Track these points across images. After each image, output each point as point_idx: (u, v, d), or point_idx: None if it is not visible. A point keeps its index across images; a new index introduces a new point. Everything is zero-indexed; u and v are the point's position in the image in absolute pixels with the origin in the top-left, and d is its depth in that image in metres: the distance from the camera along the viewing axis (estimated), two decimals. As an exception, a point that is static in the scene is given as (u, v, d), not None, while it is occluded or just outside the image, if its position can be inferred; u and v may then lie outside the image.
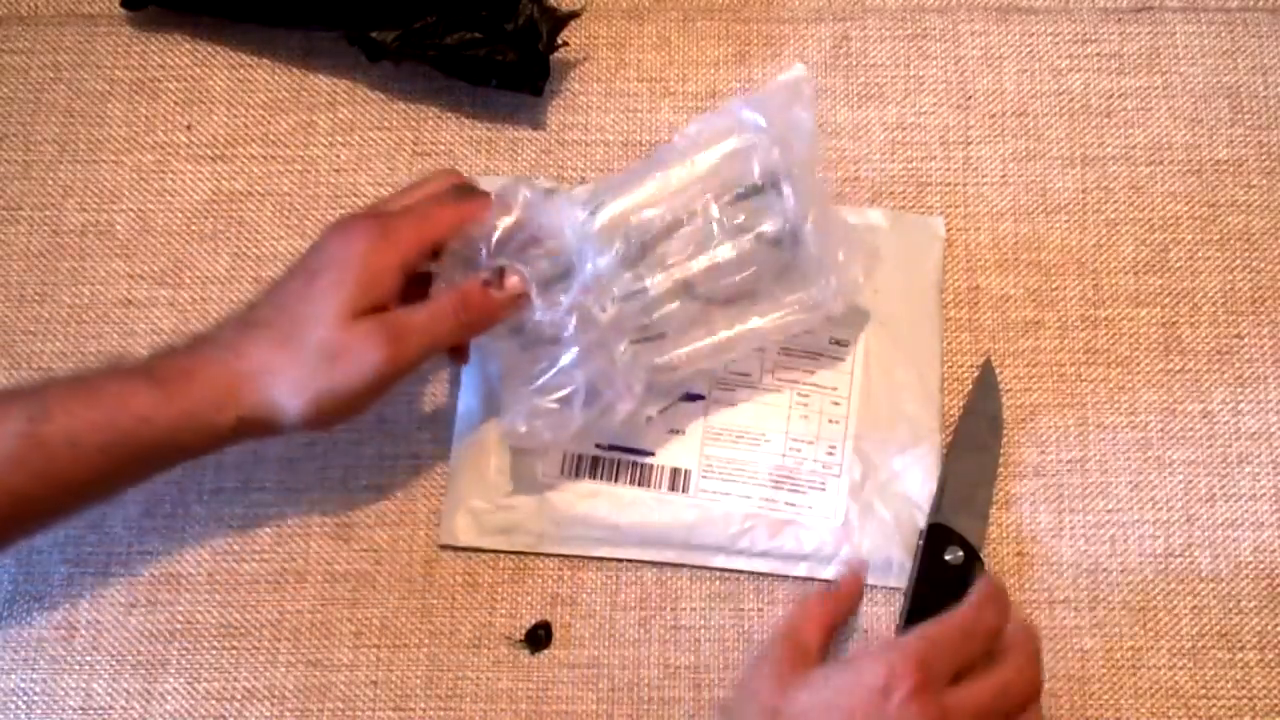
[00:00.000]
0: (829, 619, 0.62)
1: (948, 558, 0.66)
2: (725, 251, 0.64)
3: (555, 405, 0.63)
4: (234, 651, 0.68)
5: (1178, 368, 0.72)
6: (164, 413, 0.58)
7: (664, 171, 0.64)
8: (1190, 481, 0.70)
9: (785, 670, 0.58)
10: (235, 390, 0.59)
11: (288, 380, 0.59)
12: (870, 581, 0.68)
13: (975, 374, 0.71)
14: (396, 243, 0.60)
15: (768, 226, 0.64)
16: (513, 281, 0.62)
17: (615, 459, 0.68)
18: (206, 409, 0.58)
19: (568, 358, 0.62)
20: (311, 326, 0.59)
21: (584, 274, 0.62)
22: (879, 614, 0.68)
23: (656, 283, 0.64)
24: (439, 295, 0.62)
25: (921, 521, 0.68)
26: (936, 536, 0.67)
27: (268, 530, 0.69)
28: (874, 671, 0.54)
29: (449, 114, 0.77)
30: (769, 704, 0.56)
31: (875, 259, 0.67)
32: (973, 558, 0.66)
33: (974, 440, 0.69)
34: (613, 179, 0.66)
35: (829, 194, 0.67)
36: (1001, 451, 0.70)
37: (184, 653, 0.68)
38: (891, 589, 0.68)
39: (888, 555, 0.68)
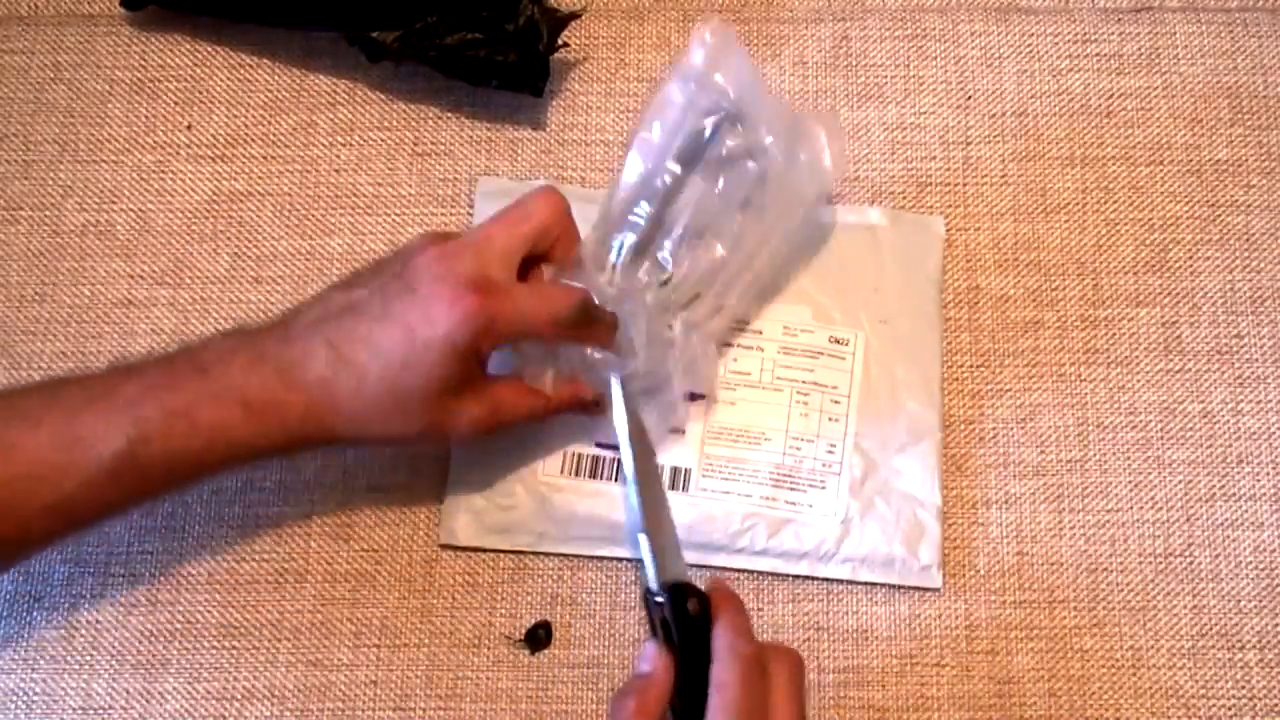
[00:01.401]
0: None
1: (690, 608, 0.58)
2: (708, 191, 0.66)
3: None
4: (234, 651, 0.68)
5: (1178, 368, 0.72)
6: (257, 445, 0.59)
7: (632, 153, 0.66)
8: (1190, 481, 0.70)
9: None
10: (326, 427, 0.59)
11: (381, 431, 0.60)
12: (871, 580, 0.68)
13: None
14: (503, 329, 0.60)
15: (731, 141, 0.66)
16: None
17: (615, 458, 0.68)
18: (297, 439, 0.59)
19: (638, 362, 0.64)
20: (411, 399, 0.59)
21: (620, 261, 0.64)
22: (879, 614, 0.68)
23: (671, 252, 0.65)
24: (541, 392, 0.64)
25: (924, 519, 0.68)
26: (679, 595, 0.58)
27: (268, 530, 0.69)
28: None
29: (449, 114, 0.77)
30: None
31: (841, 139, 0.69)
32: (701, 596, 0.59)
33: (641, 477, 0.63)
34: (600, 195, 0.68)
35: (788, 105, 0.68)
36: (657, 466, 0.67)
37: (184, 653, 0.68)
38: (893, 587, 0.68)
39: (889, 553, 0.68)
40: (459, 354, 0.58)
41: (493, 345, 0.61)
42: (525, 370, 0.65)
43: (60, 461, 0.56)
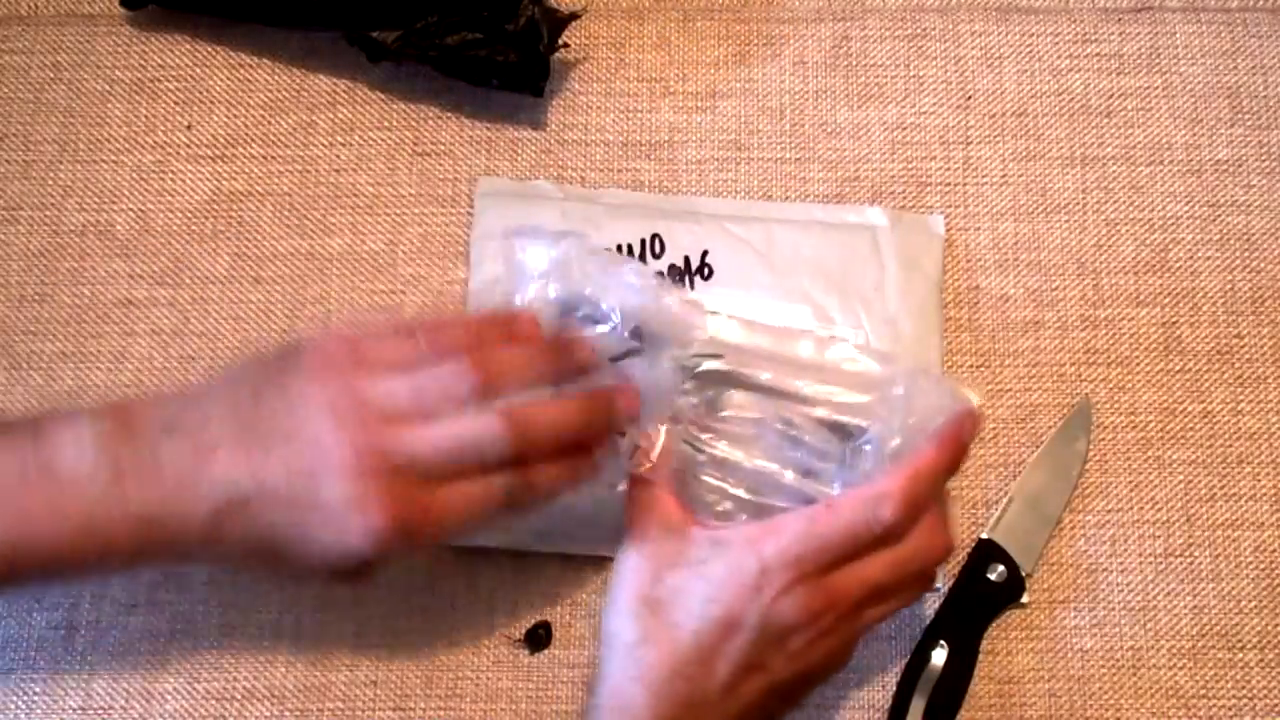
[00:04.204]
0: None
1: (990, 575, 0.67)
2: (785, 477, 0.59)
3: None
4: (234, 651, 0.68)
5: (1178, 368, 0.72)
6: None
7: (785, 380, 0.60)
8: (1190, 481, 0.70)
9: (654, 553, 0.55)
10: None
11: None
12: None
13: (1068, 411, 0.71)
14: (425, 539, 0.54)
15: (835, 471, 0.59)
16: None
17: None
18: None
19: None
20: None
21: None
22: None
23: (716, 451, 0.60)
24: None
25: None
26: (984, 551, 0.67)
27: (268, 530, 0.69)
28: (747, 567, 0.53)
29: (449, 114, 0.77)
30: (643, 594, 0.55)
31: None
32: (1016, 578, 0.67)
33: (1050, 471, 0.69)
34: (732, 343, 0.61)
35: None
36: (1074, 489, 0.69)
37: (184, 653, 0.68)
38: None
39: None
40: (358, 565, 0.53)
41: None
42: None
43: None
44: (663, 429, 0.58)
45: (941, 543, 0.56)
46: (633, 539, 0.57)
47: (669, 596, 0.54)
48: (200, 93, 0.78)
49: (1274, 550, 0.69)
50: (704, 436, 0.59)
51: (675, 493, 0.57)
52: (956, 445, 0.57)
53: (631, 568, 0.56)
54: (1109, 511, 0.69)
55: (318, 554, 0.52)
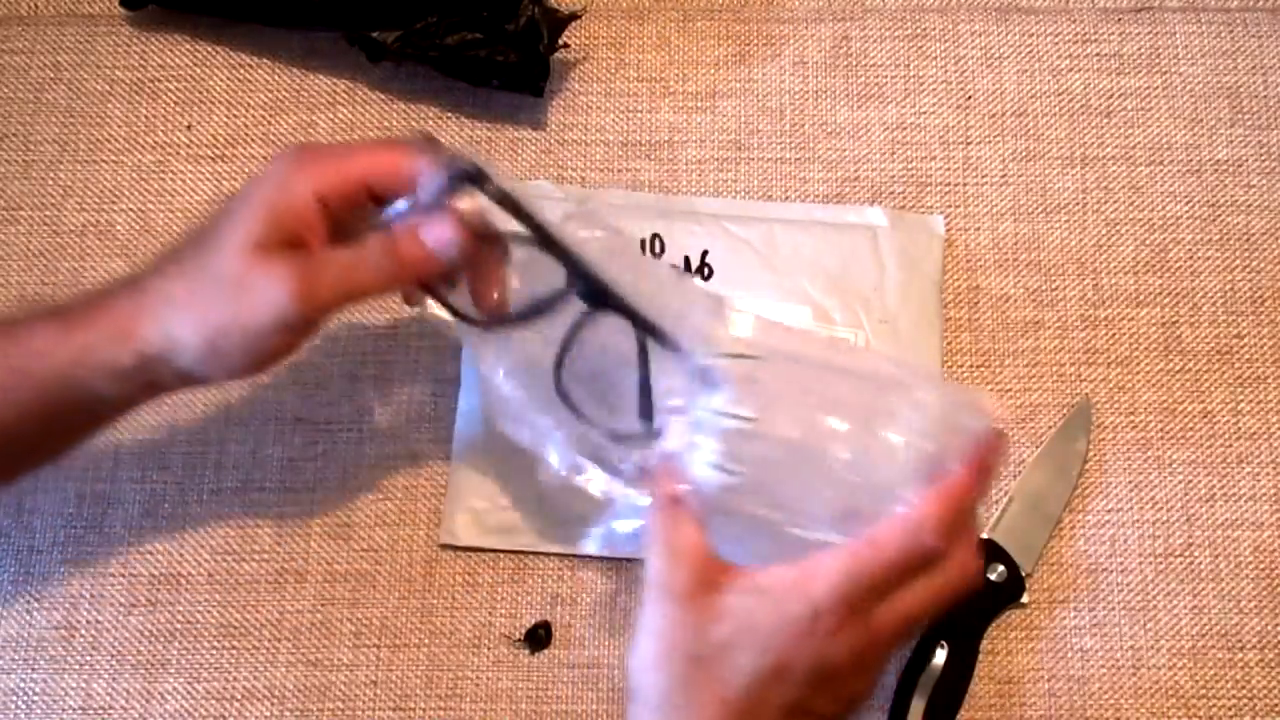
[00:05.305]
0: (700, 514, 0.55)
1: (990, 575, 0.66)
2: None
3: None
4: (234, 651, 0.68)
5: (1178, 368, 0.72)
6: (62, 347, 0.55)
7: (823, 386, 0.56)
8: (1190, 481, 0.70)
9: (691, 606, 0.53)
10: (134, 321, 0.55)
11: (185, 311, 0.54)
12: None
13: (1068, 411, 0.71)
14: (313, 171, 0.55)
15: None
16: (454, 223, 0.55)
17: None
18: (105, 342, 0.55)
19: None
20: (215, 256, 0.54)
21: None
22: (879, 614, 0.68)
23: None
24: (367, 237, 0.56)
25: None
26: (984, 551, 0.66)
27: (268, 530, 0.69)
28: (797, 612, 0.52)
29: (449, 114, 0.77)
30: (685, 650, 0.53)
31: None
32: (1016, 578, 0.67)
33: (1050, 471, 0.69)
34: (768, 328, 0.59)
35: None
36: (1075, 488, 0.69)
37: (184, 653, 0.68)
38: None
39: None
40: (275, 187, 0.54)
41: (311, 184, 0.55)
42: None
43: None
44: None
45: (975, 570, 0.55)
46: (664, 591, 0.54)
47: (714, 653, 0.53)
48: (200, 93, 0.78)
49: (1274, 550, 0.69)
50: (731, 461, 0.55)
51: (703, 528, 0.54)
52: (986, 468, 0.54)
53: (669, 621, 0.53)
54: (1109, 511, 0.69)
55: (230, 207, 0.55)
